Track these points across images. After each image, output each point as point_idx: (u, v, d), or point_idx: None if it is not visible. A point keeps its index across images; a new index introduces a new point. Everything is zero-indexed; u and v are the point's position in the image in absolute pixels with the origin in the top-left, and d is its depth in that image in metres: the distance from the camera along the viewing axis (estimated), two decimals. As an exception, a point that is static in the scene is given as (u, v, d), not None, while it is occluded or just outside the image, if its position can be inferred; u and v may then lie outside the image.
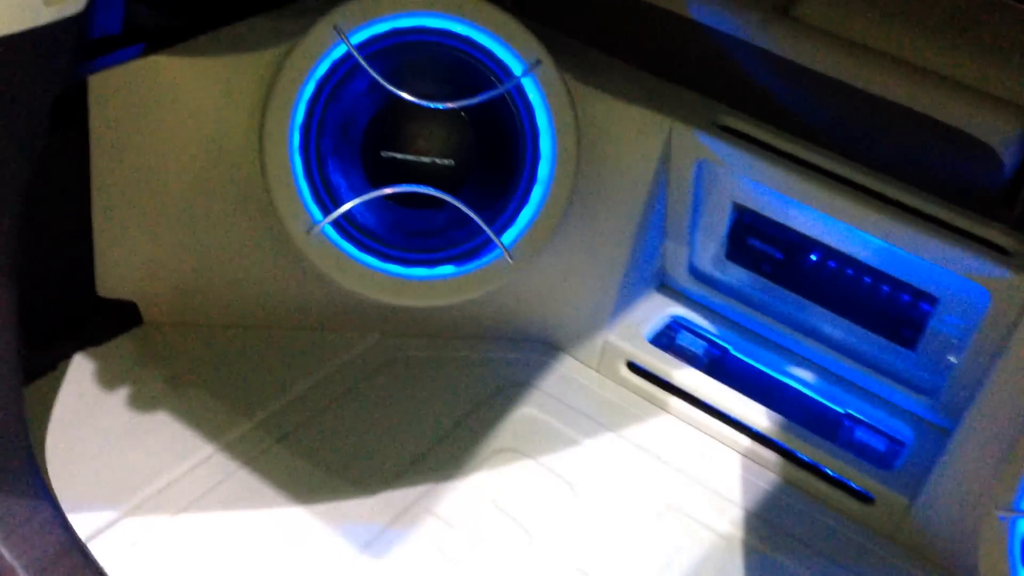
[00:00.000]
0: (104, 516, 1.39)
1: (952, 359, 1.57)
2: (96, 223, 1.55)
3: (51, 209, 1.53)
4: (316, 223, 1.47)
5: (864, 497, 1.61)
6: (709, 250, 1.79)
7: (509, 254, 1.51)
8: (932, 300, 1.54)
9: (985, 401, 1.44)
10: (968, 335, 1.50)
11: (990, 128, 1.34)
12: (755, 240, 1.74)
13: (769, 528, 1.58)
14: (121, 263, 1.60)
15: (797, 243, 1.70)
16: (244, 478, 1.50)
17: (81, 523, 1.36)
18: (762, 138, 1.54)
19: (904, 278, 1.55)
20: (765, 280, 1.76)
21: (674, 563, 1.50)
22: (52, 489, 1.39)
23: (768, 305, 1.79)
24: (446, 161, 1.53)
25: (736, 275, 1.80)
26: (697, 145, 1.56)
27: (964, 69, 1.41)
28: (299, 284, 1.64)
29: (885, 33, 1.47)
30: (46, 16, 1.01)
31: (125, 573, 1.32)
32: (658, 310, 1.85)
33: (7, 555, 1.27)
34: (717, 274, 1.82)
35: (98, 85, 1.39)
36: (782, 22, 1.50)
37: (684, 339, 1.84)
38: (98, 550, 1.34)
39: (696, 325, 1.85)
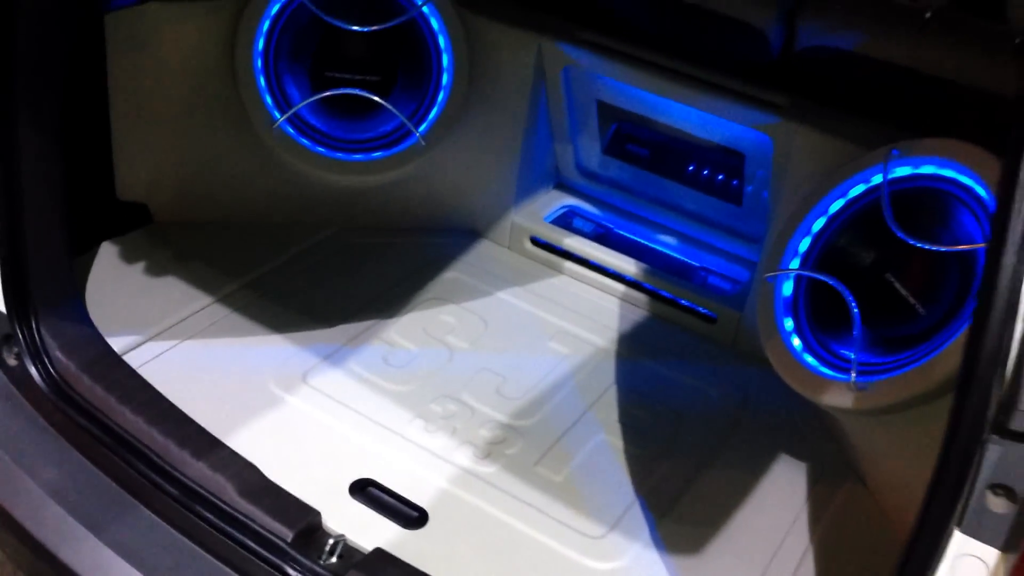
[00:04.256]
0: (131, 339, 1.89)
1: (765, 207, 2.07)
2: (114, 141, 2.06)
3: (83, 137, 2.04)
4: (276, 119, 2.00)
5: (709, 318, 2.10)
6: (589, 148, 2.29)
7: (422, 138, 2.04)
8: (741, 157, 2.04)
9: (773, 225, 1.95)
10: (768, 182, 2.01)
11: (758, 17, 1.86)
12: (622, 134, 2.26)
13: (637, 343, 2.08)
14: (134, 173, 2.11)
15: (656, 136, 2.21)
16: (235, 319, 2.00)
17: (115, 343, 1.85)
18: (608, 44, 2.05)
19: (720, 142, 2.06)
20: (634, 167, 2.27)
21: (561, 364, 1.99)
22: (93, 322, 1.88)
23: (639, 188, 2.29)
24: (374, 77, 2.06)
25: (613, 167, 2.30)
26: (562, 54, 2.08)
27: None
28: (272, 181, 2.15)
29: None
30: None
31: (148, 375, 1.81)
32: (555, 200, 2.37)
33: (63, 357, 1.76)
34: (598, 169, 2.33)
35: (113, 22, 1.90)
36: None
37: (576, 221, 2.34)
38: (128, 361, 1.84)
39: (585, 211, 2.36)
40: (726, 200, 2.16)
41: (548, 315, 2.12)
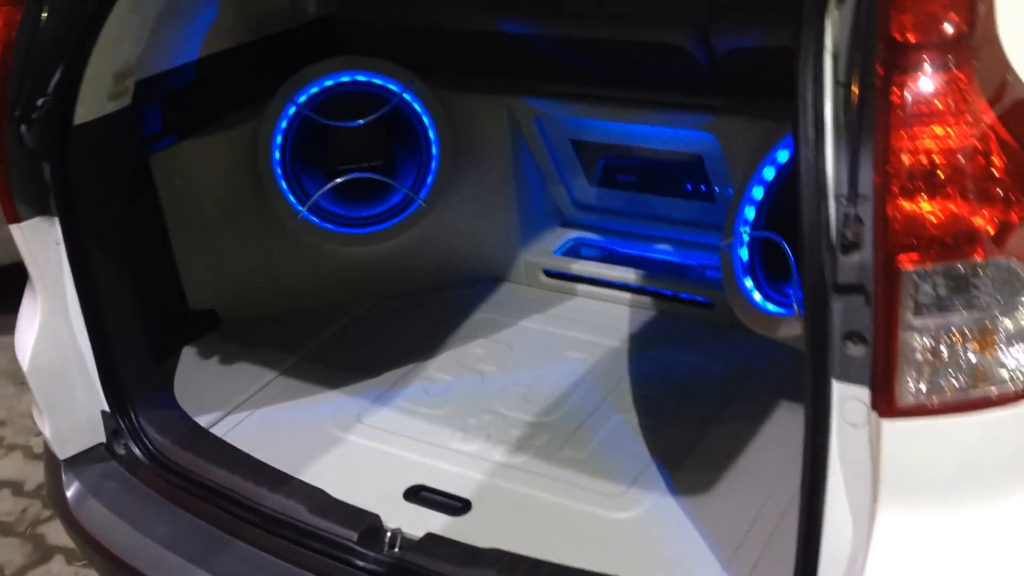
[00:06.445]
0: (214, 416, 2.23)
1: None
2: (178, 262, 2.46)
3: (152, 262, 2.44)
4: (299, 210, 2.37)
5: (707, 304, 2.35)
6: (581, 185, 2.60)
7: (423, 201, 2.39)
8: (700, 159, 2.32)
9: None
10: (726, 176, 2.28)
11: (676, 36, 2.16)
12: (610, 167, 2.56)
13: (646, 338, 2.34)
14: (199, 285, 2.50)
15: (638, 163, 2.50)
16: (296, 385, 2.34)
17: (200, 420, 2.20)
18: (567, 90, 2.38)
19: (680, 149, 2.34)
20: (625, 192, 2.56)
21: (579, 367, 2.26)
22: (182, 407, 2.24)
23: (632, 210, 2.58)
24: (376, 160, 2.43)
25: (606, 197, 2.60)
26: (529, 107, 2.42)
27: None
28: (306, 265, 2.52)
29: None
30: (111, 108, 1.95)
31: (229, 441, 2.14)
32: (561, 236, 2.67)
33: (160, 437, 2.12)
34: (594, 201, 2.63)
35: (157, 162, 2.32)
36: (553, 14, 2.37)
37: (584, 250, 2.64)
38: (212, 432, 2.18)
39: (590, 239, 2.66)
40: (703, 200, 2.43)
41: (566, 331, 2.40)
